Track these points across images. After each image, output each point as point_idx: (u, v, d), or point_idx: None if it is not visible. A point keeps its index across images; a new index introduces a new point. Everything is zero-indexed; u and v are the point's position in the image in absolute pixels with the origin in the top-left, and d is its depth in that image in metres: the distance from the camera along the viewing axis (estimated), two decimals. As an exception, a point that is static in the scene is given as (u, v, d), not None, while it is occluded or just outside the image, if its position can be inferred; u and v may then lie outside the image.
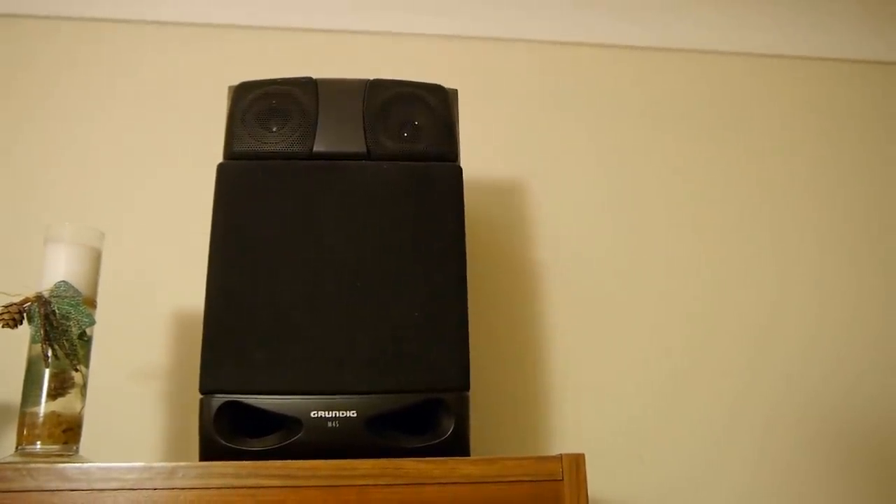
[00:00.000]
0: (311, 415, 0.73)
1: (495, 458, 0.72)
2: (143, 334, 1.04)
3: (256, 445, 0.73)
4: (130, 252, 1.06)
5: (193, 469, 0.68)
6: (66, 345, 0.77)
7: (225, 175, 0.82)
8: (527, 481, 0.71)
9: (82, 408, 0.77)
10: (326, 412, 0.73)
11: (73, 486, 0.66)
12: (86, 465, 0.67)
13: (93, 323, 0.78)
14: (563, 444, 1.05)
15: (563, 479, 0.71)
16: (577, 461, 0.72)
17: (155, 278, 1.08)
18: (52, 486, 0.66)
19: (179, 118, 1.17)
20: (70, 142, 1.15)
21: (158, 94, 1.18)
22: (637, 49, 1.31)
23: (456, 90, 0.90)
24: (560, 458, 0.72)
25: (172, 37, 1.21)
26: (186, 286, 1.05)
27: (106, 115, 1.17)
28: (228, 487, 0.67)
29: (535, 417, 1.08)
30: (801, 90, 1.34)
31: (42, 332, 0.75)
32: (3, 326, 0.75)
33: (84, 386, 0.78)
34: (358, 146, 0.85)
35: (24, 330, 0.76)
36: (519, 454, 0.96)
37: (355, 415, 0.73)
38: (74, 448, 0.75)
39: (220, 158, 0.84)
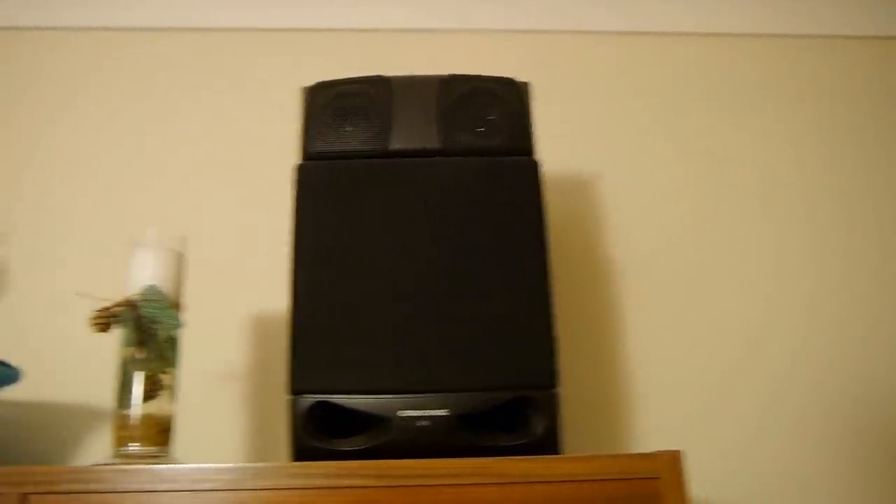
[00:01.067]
0: (402, 414, 0.72)
1: (591, 456, 0.71)
2: (221, 337, 1.04)
3: (347, 445, 0.72)
4: (207, 255, 1.07)
5: (288, 469, 0.68)
6: (156, 348, 0.78)
7: (304, 175, 0.82)
8: (623, 479, 0.69)
9: (174, 409, 0.78)
10: (417, 411, 0.72)
11: (173, 486, 0.67)
12: (184, 466, 0.68)
13: (181, 326, 0.79)
14: (645, 441, 1.03)
15: (660, 478, 0.69)
16: (675, 458, 0.70)
17: (231, 281, 1.08)
18: (152, 487, 0.67)
19: (254, 122, 1.18)
20: (150, 148, 1.17)
21: (232, 99, 1.20)
22: (712, 36, 1.27)
23: (529, 83, 0.89)
24: (657, 455, 0.70)
25: (244, 42, 1.22)
26: (262, 287, 1.06)
27: (183, 120, 1.19)
28: (324, 488, 0.67)
29: (615, 415, 1.06)
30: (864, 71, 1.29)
31: (133, 335, 0.77)
32: (98, 331, 0.76)
33: (174, 388, 0.78)
34: (433, 142, 0.85)
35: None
36: (599, 452, 0.94)
37: (446, 413, 0.72)
38: (169, 450, 0.76)
39: (295, 160, 0.84)
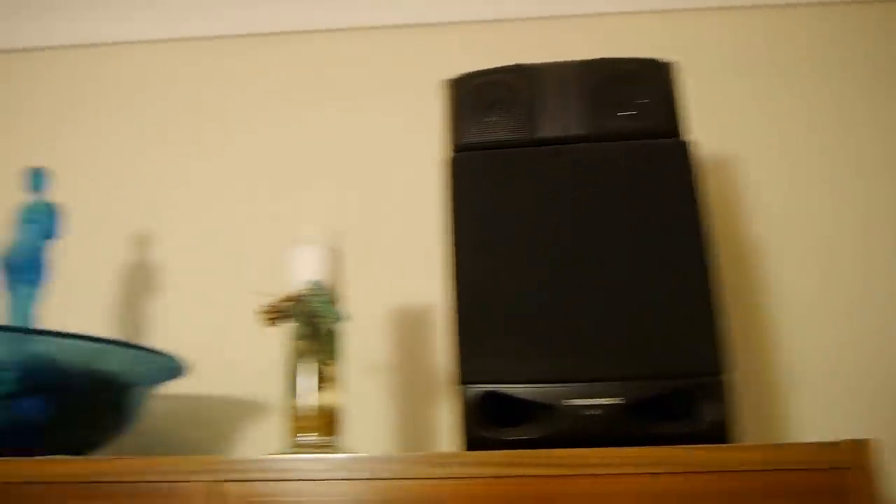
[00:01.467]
0: (571, 402, 0.72)
1: (772, 445, 0.70)
2: (368, 328, 1.06)
3: (517, 434, 0.73)
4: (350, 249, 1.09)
5: (465, 458, 0.69)
6: (320, 341, 0.80)
7: (456, 167, 0.83)
8: (807, 470, 0.67)
9: (341, 400, 0.80)
10: (587, 399, 0.72)
11: (353, 475, 0.69)
12: (364, 455, 0.70)
13: (344, 319, 0.81)
14: (806, 430, 0.99)
15: (849, 468, 0.66)
16: (864, 447, 0.67)
17: (373, 273, 1.09)
18: (334, 475, 0.69)
19: (396, 117, 1.20)
20: (299, 148, 1.21)
21: (374, 95, 1.22)
22: (856, 4, 1.21)
23: (674, 63, 0.87)
24: (845, 444, 0.67)
25: (383, 40, 1.24)
26: (406, 279, 1.08)
27: (329, 119, 1.21)
28: (501, 476, 0.68)
29: (774, 402, 1.02)
30: None
31: (302, 329, 0.79)
32: (268, 325, 0.79)
33: (339, 380, 0.81)
34: (580, 128, 0.84)
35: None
36: (762, 441, 0.91)
37: (618, 402, 0.72)
38: (339, 439, 0.79)
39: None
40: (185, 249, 1.16)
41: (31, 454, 0.73)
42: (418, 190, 1.07)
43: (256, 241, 1.14)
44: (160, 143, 1.23)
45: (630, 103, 0.85)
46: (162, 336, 1.09)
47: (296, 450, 0.76)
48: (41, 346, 0.80)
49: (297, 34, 1.26)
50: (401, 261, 1.10)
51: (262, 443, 1.01)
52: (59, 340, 0.80)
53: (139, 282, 1.15)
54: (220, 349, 1.06)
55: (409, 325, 1.07)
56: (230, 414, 1.05)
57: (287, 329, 0.81)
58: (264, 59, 1.26)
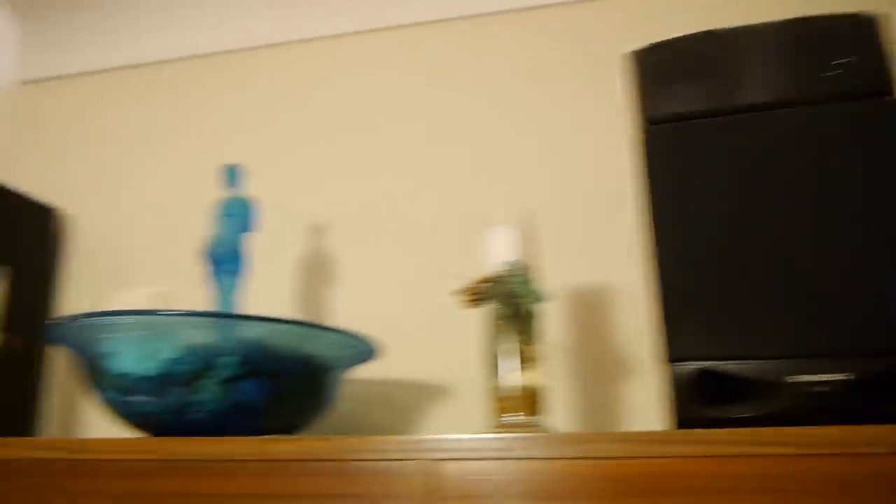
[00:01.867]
0: (794, 379, 0.69)
1: None
2: (555, 308, 1.06)
3: (738, 413, 0.70)
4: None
5: (691, 436, 0.67)
6: (522, 321, 0.81)
7: (650, 141, 0.81)
8: None
9: (543, 380, 0.80)
10: (816, 375, 0.68)
11: (577, 453, 0.69)
12: (584, 433, 0.69)
13: (544, 300, 0.81)
14: None
15: None
16: None
17: (557, 253, 1.09)
18: (543, 454, 0.69)
19: (576, 93, 1.18)
20: (485, 130, 1.21)
21: (555, 72, 1.21)
22: None
23: (881, 15, 0.80)
24: None
25: (559, 16, 1.23)
26: (580, 259, 1.07)
27: (511, 100, 1.21)
28: (723, 456, 0.65)
29: None
30: None
31: (503, 310, 0.80)
32: (470, 307, 0.80)
33: (540, 360, 0.81)
34: (781, 93, 0.80)
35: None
36: None
37: (848, 377, 0.67)
38: (543, 419, 0.79)
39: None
40: (371, 235, 1.19)
41: (249, 435, 0.78)
42: (601, 167, 1.05)
43: (443, 224, 1.16)
44: (348, 134, 1.27)
45: (835, 62, 0.80)
46: (346, 320, 1.13)
47: (503, 430, 0.77)
48: (254, 332, 0.85)
49: (479, 17, 1.26)
50: (587, 239, 1.09)
51: (452, 424, 1.03)
52: (271, 326, 0.84)
53: (324, 268, 1.20)
54: (403, 333, 1.09)
55: (595, 304, 1.06)
56: (417, 396, 1.08)
57: (483, 311, 0.82)
58: (444, 44, 1.27)
